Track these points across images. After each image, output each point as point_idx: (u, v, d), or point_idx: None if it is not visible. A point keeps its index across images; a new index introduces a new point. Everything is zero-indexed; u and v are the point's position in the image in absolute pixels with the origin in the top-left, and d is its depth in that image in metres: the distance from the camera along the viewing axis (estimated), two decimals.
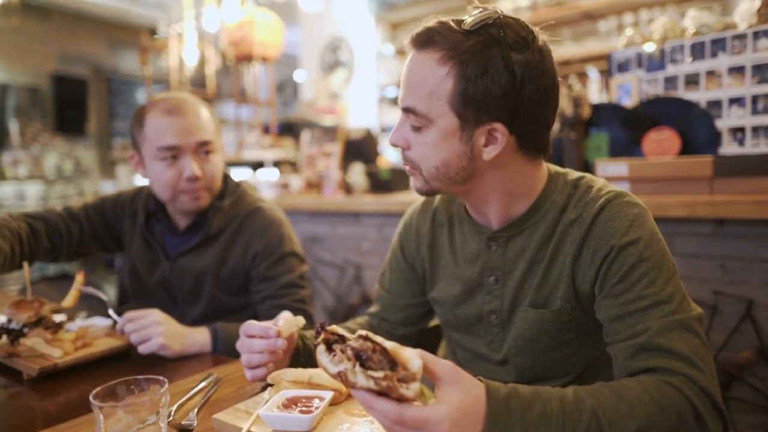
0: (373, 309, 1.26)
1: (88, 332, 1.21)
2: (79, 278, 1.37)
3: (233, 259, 1.46)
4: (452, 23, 0.87)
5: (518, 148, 0.91)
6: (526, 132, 0.89)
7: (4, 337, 1.17)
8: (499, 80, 0.84)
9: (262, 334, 0.94)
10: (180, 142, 1.37)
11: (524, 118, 0.87)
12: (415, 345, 0.71)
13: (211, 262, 1.46)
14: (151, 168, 1.41)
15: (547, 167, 0.99)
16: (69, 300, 1.36)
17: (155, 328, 1.18)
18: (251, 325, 0.96)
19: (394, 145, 0.95)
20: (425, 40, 0.87)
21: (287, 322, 0.95)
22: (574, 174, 0.99)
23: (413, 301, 1.20)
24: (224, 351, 1.24)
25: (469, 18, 0.85)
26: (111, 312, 1.28)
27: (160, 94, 1.45)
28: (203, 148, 1.41)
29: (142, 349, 1.18)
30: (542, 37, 0.88)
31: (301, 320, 0.98)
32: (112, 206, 1.57)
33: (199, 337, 1.24)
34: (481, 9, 0.85)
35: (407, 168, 0.97)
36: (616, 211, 0.89)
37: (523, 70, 0.84)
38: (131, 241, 1.55)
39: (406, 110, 0.91)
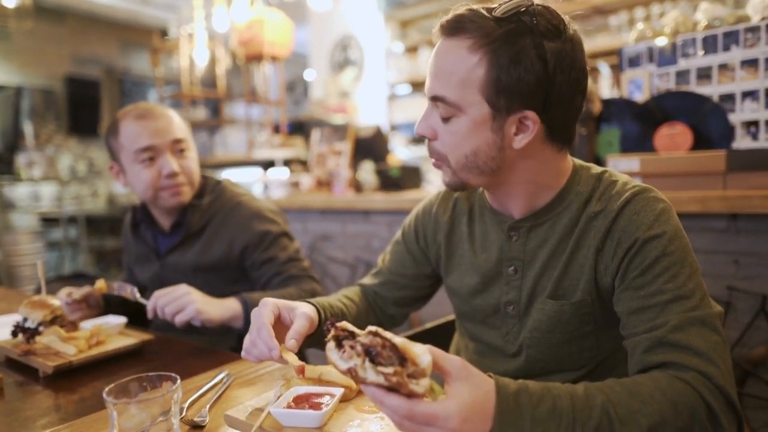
0: (368, 281, 1.24)
1: (102, 330, 1.23)
2: (100, 285, 1.36)
3: (217, 253, 1.50)
4: (483, 11, 0.85)
5: (546, 138, 0.90)
6: (555, 121, 0.89)
7: (20, 336, 1.19)
8: (532, 68, 0.83)
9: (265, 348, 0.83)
10: (155, 141, 1.43)
11: (555, 107, 0.87)
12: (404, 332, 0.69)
13: (196, 257, 1.51)
14: (131, 172, 1.47)
15: (572, 160, 0.99)
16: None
17: (188, 297, 1.19)
18: (261, 330, 0.84)
19: (420, 135, 0.94)
20: (455, 28, 0.86)
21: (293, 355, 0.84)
22: (597, 168, 0.99)
23: (414, 283, 1.20)
24: None
25: (500, 6, 0.84)
26: (138, 296, 1.29)
27: (129, 106, 1.52)
28: (178, 146, 1.47)
29: (179, 318, 1.18)
30: (573, 26, 0.88)
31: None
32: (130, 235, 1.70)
33: (233, 304, 1.26)
34: None
35: (433, 161, 0.95)
36: (642, 205, 0.88)
37: (555, 59, 0.83)
38: (128, 249, 1.70)
39: (435, 99, 0.89)
